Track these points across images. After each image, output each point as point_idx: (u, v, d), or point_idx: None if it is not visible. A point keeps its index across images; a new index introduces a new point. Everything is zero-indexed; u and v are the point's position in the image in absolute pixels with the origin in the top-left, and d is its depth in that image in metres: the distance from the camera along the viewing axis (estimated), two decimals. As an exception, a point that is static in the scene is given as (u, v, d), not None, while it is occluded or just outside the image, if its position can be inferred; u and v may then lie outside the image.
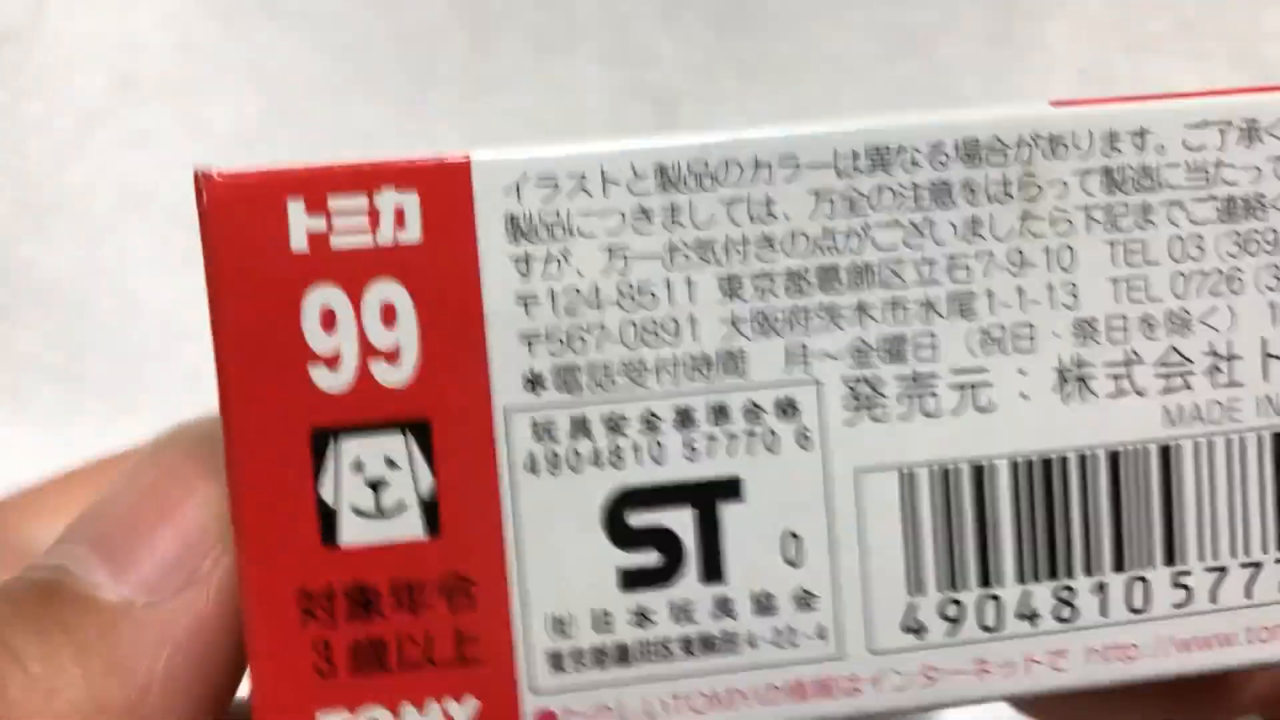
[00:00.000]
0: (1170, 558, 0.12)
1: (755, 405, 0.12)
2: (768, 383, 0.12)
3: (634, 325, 0.12)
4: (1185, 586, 0.12)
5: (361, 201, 0.12)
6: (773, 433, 0.12)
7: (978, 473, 0.12)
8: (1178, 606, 0.12)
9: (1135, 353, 0.12)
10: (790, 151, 0.12)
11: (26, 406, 0.45)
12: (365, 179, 0.12)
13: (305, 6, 0.46)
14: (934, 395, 0.12)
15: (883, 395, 0.12)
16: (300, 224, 0.12)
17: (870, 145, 0.12)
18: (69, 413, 0.45)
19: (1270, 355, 0.12)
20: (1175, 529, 0.12)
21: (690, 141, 0.12)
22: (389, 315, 0.12)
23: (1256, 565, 0.12)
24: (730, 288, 0.12)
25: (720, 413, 0.12)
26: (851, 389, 0.12)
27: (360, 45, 0.46)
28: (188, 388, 0.47)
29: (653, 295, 0.12)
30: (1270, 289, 0.12)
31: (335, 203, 0.12)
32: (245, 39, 0.46)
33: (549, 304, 0.12)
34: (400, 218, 0.12)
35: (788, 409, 0.12)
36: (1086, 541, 0.12)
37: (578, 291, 0.12)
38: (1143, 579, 0.12)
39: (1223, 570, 0.12)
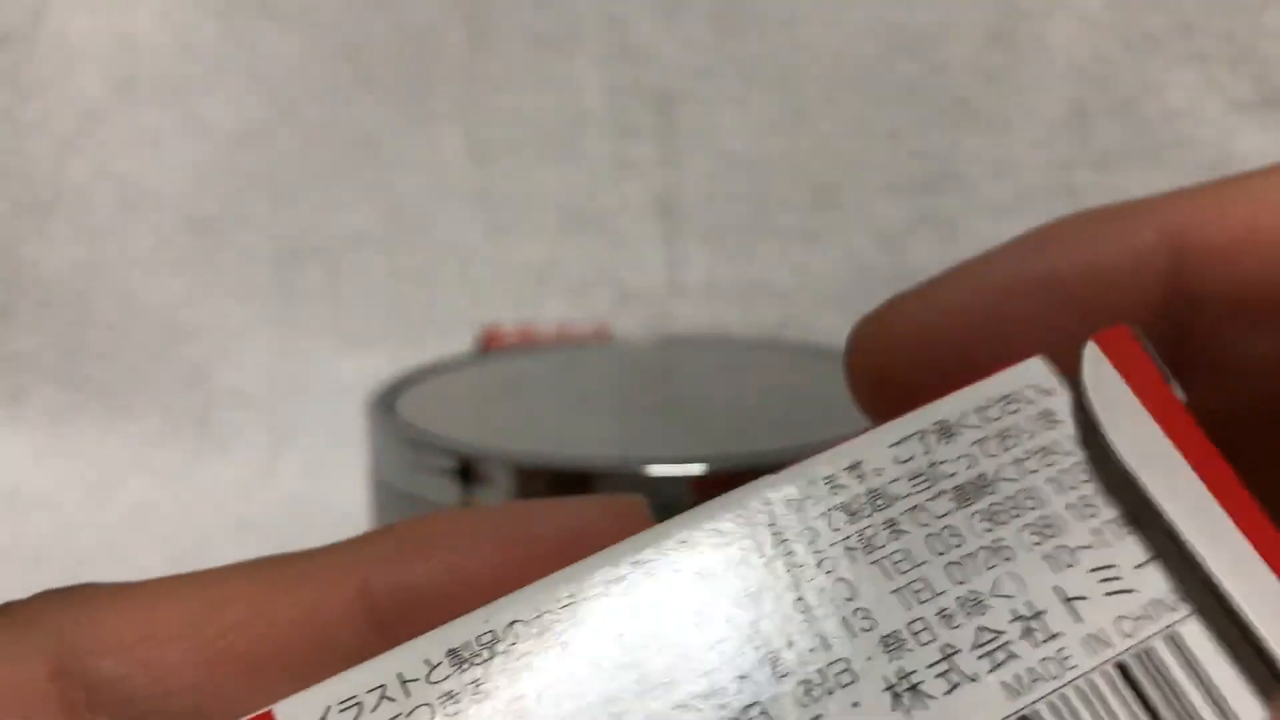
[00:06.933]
0: None
1: None
2: None
3: None
4: None
5: None
6: None
7: None
8: None
9: (949, 645, 0.12)
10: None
11: (26, 406, 0.45)
12: None
13: (305, 6, 0.46)
14: None
15: None
16: None
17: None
18: (69, 413, 0.45)
19: (1070, 599, 0.12)
20: None
21: (473, 620, 0.12)
22: None
23: None
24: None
25: None
26: None
27: (360, 45, 0.46)
28: (188, 388, 0.47)
29: None
30: (1036, 544, 0.13)
31: None
32: (245, 39, 0.46)
33: None
34: None
35: None
36: None
37: None
38: None
39: None
